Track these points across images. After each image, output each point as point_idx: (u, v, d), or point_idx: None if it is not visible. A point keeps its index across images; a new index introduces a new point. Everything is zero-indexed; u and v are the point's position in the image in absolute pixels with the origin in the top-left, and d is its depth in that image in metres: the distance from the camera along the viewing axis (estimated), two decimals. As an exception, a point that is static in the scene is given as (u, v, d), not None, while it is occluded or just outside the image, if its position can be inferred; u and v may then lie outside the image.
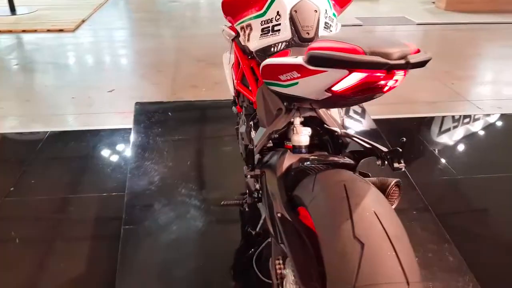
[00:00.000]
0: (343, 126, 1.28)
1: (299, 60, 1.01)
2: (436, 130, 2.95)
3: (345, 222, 0.83)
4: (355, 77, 0.92)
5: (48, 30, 5.20)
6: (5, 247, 1.88)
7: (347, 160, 1.09)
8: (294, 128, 1.19)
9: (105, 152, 2.62)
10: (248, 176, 1.20)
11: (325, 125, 1.19)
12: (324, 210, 0.90)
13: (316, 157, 1.08)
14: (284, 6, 1.32)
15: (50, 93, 3.55)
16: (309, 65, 0.97)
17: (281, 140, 1.27)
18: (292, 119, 1.19)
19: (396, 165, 1.06)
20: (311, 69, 0.97)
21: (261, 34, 1.36)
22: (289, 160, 1.09)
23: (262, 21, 1.36)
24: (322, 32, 1.32)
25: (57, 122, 3.03)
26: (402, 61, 0.89)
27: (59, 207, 2.14)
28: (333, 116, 1.23)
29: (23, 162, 2.49)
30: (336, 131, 1.17)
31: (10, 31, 5.15)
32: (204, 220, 1.92)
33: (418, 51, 0.94)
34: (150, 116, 2.81)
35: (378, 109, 3.05)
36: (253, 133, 1.45)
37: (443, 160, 2.59)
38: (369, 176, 1.12)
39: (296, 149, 1.18)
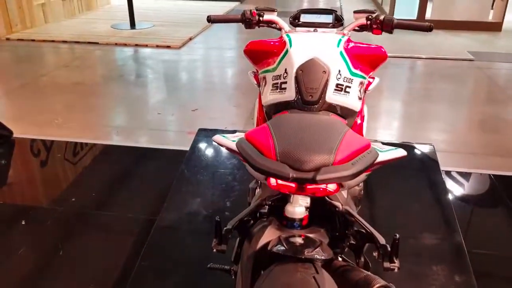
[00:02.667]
0: (353, 200, 1.16)
1: (233, 145, 1.01)
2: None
3: None
4: (271, 181, 0.93)
5: (157, 46, 5.64)
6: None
7: (323, 255, 0.95)
8: (291, 197, 1.08)
9: (151, 172, 2.70)
10: (214, 250, 1.11)
11: (326, 197, 1.08)
12: None
13: (295, 241, 0.97)
14: (291, 64, 1.25)
15: (139, 106, 3.83)
16: (238, 154, 0.97)
17: (281, 206, 1.14)
18: None
19: (386, 264, 0.93)
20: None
21: (271, 90, 1.29)
22: (267, 236, 1.00)
23: (273, 76, 1.30)
24: (332, 95, 1.21)
25: (128, 136, 3.25)
26: (309, 175, 0.84)
27: (83, 220, 2.24)
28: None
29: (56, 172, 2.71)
30: (337, 207, 1.06)
31: (125, 44, 5.70)
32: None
33: (347, 159, 0.87)
34: (207, 143, 2.84)
35: (461, 158, 2.74)
36: (258, 190, 1.38)
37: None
38: (358, 266, 0.99)
39: (289, 221, 1.07)
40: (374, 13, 1.39)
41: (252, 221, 1.12)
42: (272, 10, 1.51)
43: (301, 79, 1.21)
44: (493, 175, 2.71)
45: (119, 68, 4.87)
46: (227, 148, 1.10)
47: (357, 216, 1.04)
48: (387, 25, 1.35)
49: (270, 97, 1.29)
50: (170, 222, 2.10)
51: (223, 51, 5.71)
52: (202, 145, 2.79)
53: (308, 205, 1.05)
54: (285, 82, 1.24)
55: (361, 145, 0.94)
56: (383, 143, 1.23)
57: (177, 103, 3.90)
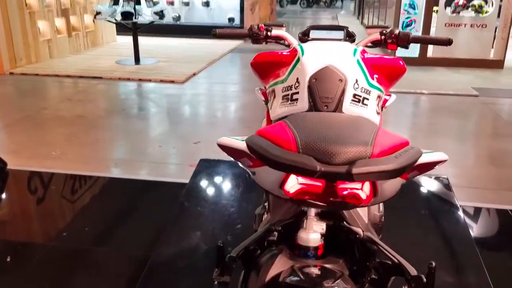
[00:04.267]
0: (374, 227, 1.04)
1: (242, 144, 0.86)
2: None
3: None
4: (295, 181, 0.77)
5: (161, 81, 5.64)
6: None
7: (346, 287, 0.83)
8: (305, 221, 0.95)
9: (149, 205, 2.57)
10: (215, 282, 0.97)
11: (345, 223, 0.97)
12: None
13: (311, 272, 0.85)
14: (304, 72, 1.14)
15: (140, 139, 3.76)
16: (250, 153, 0.82)
17: (293, 233, 1.01)
18: (305, 208, 0.97)
19: None
20: (255, 159, 0.82)
21: (281, 102, 1.18)
22: (277, 266, 0.88)
23: (283, 88, 1.19)
24: (349, 106, 1.09)
25: (127, 169, 3.15)
26: (342, 169, 0.69)
27: (74, 257, 2.09)
28: (358, 212, 1.00)
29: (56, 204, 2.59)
30: (357, 233, 0.94)
31: (128, 79, 5.70)
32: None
33: (387, 152, 0.73)
34: (209, 174, 2.73)
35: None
36: (266, 216, 1.26)
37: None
38: None
39: (302, 250, 0.94)
40: (388, 28, 1.32)
41: (259, 250, 1.00)
42: (281, 25, 1.44)
43: (315, 88, 1.09)
44: (511, 210, 2.59)
45: (121, 102, 4.83)
46: (233, 152, 0.94)
47: (381, 243, 0.92)
48: (403, 40, 1.28)
49: (280, 110, 1.18)
50: (166, 257, 1.97)
51: (226, 86, 5.70)
52: (203, 176, 2.68)
53: (324, 231, 0.93)
54: (297, 93, 1.13)
55: (400, 141, 0.81)
56: None
57: (179, 136, 3.83)
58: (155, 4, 7.41)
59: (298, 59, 1.19)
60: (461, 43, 6.87)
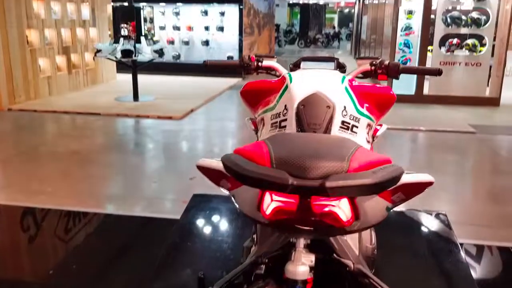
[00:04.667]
0: (366, 261, 0.99)
1: (219, 163, 0.84)
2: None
3: None
4: (269, 199, 0.74)
5: (158, 117, 5.65)
6: None
7: None
8: (293, 253, 0.90)
9: (139, 242, 2.50)
10: None
11: (334, 255, 0.92)
12: None
13: None
14: (292, 99, 1.13)
15: (135, 175, 3.71)
16: (226, 171, 0.80)
17: (280, 266, 0.95)
18: (292, 240, 0.93)
19: None
20: (232, 179, 0.80)
21: (269, 130, 1.17)
22: None
23: (272, 115, 1.19)
24: (338, 133, 1.07)
25: (120, 206, 3.09)
26: (316, 183, 0.66)
27: None
28: (349, 244, 0.96)
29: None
30: (347, 265, 0.90)
31: (126, 115, 5.71)
32: None
33: (365, 168, 0.69)
34: (201, 210, 2.65)
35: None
36: (254, 248, 1.20)
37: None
38: None
39: (290, 284, 0.88)
40: (378, 59, 1.32)
41: (245, 285, 0.95)
42: (272, 57, 1.44)
43: (303, 115, 1.08)
44: None
45: (118, 138, 4.82)
46: (212, 174, 0.92)
47: (374, 277, 0.87)
48: (393, 70, 1.27)
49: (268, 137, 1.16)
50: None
51: (224, 122, 5.71)
52: (195, 212, 2.61)
53: (313, 264, 0.88)
54: (285, 119, 1.11)
55: (380, 158, 0.78)
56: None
57: (176, 171, 3.78)
58: (155, 42, 7.55)
59: (287, 86, 1.18)
60: (457, 81, 6.96)
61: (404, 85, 7.05)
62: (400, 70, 1.27)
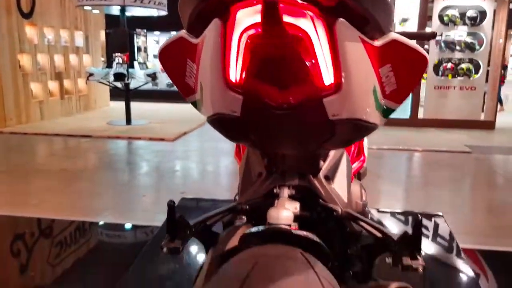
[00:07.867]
0: (355, 204, 0.89)
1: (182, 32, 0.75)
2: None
3: None
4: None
5: (150, 138, 5.57)
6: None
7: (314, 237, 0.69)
8: (276, 201, 0.80)
9: (115, 249, 2.38)
10: (164, 249, 0.77)
11: (320, 201, 0.82)
12: None
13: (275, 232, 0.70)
14: None
15: (123, 190, 3.59)
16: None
17: (263, 215, 0.81)
18: (276, 190, 0.83)
19: (406, 260, 0.65)
20: (193, 42, 0.71)
21: None
22: (237, 237, 0.73)
23: None
24: None
25: (106, 217, 2.96)
26: None
27: None
28: (335, 190, 0.85)
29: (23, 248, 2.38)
30: (335, 210, 0.79)
31: (118, 137, 5.62)
32: None
33: None
34: (188, 212, 2.54)
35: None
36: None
37: None
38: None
39: None
40: None
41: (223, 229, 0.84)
42: None
43: None
44: (515, 254, 2.39)
45: (108, 157, 4.71)
46: (174, 59, 0.84)
47: (365, 219, 0.76)
48: None
49: None
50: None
51: (217, 143, 5.62)
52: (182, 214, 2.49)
53: (298, 211, 0.77)
54: None
55: None
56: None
57: (167, 188, 3.67)
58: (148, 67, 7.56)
59: None
60: (452, 105, 6.97)
61: (399, 108, 7.02)
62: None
